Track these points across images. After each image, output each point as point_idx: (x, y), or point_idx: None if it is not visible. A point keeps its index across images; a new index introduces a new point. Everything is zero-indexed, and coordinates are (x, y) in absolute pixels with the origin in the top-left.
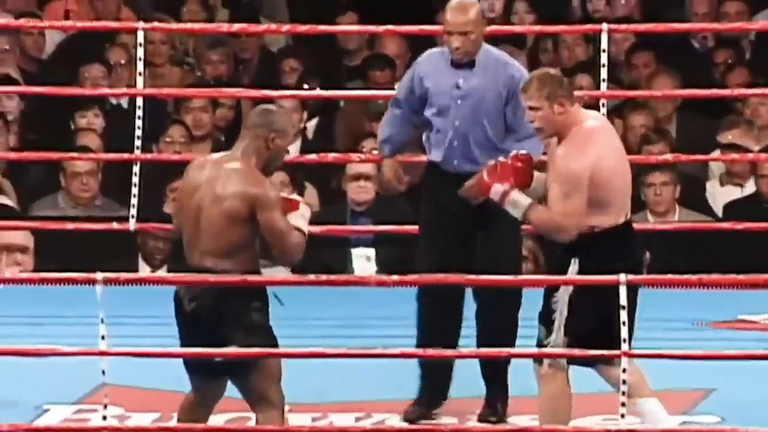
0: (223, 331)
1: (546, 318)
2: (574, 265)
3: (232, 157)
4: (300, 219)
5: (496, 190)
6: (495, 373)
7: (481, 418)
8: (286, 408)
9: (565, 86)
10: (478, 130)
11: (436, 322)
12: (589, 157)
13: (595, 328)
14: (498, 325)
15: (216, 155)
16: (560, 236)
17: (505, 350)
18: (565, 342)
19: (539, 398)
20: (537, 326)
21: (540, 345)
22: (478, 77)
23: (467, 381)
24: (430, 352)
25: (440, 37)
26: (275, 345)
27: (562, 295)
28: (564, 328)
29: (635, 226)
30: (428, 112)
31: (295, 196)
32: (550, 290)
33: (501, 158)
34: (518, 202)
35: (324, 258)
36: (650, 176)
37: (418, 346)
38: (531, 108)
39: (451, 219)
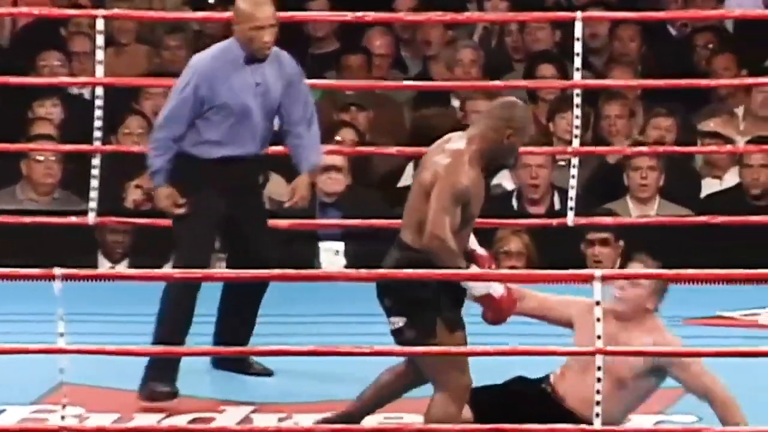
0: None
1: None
2: None
3: (457, 138)
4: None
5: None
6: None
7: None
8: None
9: None
10: (270, 121)
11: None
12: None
13: None
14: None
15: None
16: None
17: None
18: None
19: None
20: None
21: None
22: (267, 70)
23: None
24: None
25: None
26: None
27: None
28: None
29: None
30: (221, 114)
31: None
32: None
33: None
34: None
35: (291, 252)
36: (638, 159)
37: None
38: None
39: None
